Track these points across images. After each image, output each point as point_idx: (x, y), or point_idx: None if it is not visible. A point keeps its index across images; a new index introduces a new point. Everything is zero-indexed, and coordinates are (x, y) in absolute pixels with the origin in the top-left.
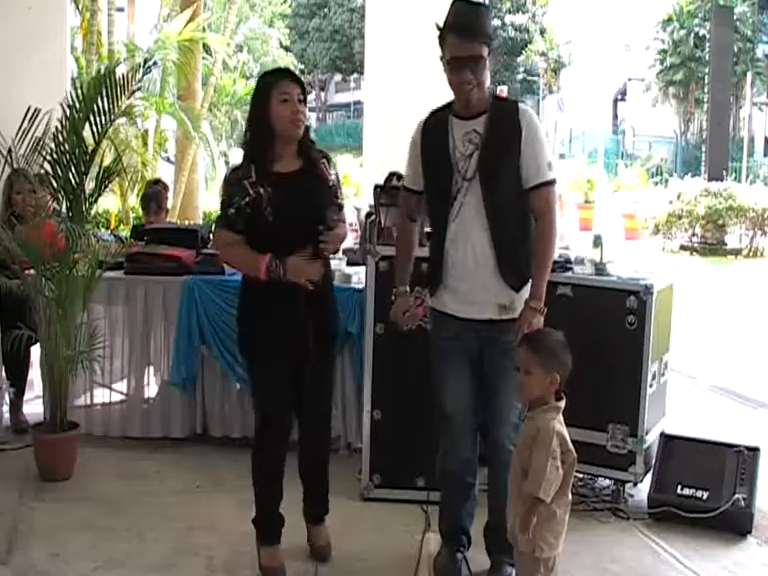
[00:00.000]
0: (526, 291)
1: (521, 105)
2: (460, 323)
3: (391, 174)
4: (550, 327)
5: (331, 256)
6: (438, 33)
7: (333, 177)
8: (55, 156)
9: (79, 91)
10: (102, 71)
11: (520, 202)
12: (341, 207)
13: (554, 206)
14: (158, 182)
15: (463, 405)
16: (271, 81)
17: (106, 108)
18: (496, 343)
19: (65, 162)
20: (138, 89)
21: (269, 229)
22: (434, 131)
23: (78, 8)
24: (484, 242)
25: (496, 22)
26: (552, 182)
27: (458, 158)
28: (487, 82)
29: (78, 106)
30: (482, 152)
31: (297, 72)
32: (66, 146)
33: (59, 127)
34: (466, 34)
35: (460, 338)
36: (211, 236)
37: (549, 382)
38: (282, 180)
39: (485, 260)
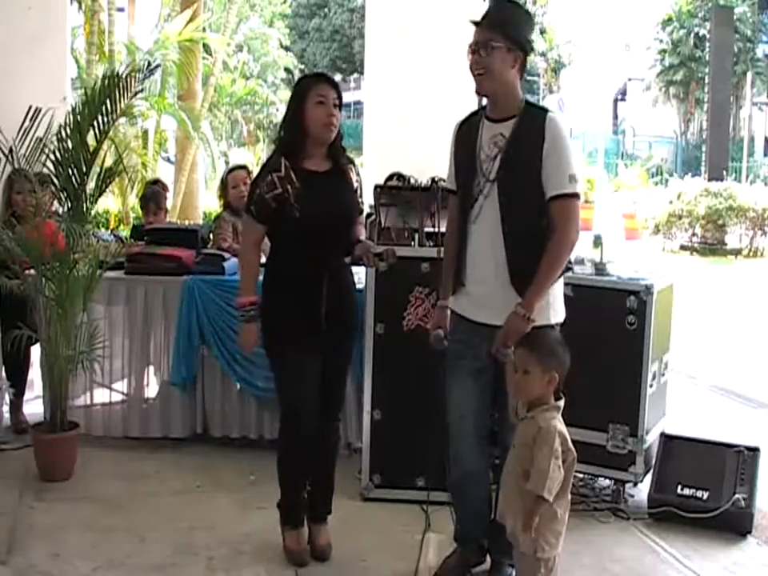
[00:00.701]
0: (542, 300)
1: (550, 114)
2: (473, 326)
3: (391, 175)
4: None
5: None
6: None
7: (356, 182)
8: (57, 156)
9: (82, 91)
10: (109, 75)
11: (540, 212)
12: (361, 211)
13: (570, 222)
14: (156, 182)
15: (465, 412)
16: (309, 83)
17: (109, 109)
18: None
19: (66, 162)
20: (141, 90)
21: (294, 224)
22: (466, 132)
23: (80, 7)
24: (499, 248)
25: None
26: (570, 196)
27: (482, 160)
28: (504, 75)
29: (80, 108)
30: (503, 155)
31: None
32: (70, 143)
33: (62, 127)
34: (479, 22)
35: (471, 341)
36: (211, 235)
37: (547, 381)
38: (311, 177)
39: (500, 267)
